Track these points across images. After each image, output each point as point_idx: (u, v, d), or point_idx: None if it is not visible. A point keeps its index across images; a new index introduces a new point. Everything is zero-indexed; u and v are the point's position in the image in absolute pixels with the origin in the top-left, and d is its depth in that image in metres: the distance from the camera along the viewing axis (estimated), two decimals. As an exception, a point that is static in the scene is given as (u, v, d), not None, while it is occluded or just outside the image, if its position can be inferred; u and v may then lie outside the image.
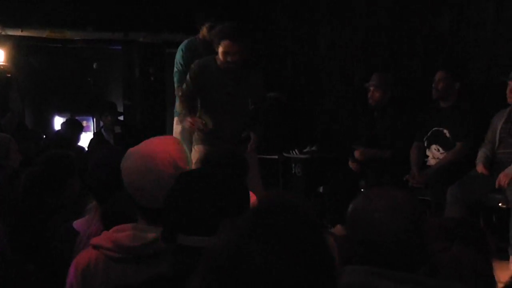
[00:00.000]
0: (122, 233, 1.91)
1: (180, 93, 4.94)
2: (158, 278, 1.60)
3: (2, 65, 6.81)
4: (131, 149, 2.00)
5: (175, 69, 5.25)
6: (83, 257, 1.94)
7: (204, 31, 5.25)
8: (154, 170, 1.91)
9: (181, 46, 5.31)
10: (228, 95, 4.53)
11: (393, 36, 5.92)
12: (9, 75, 6.90)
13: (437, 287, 1.52)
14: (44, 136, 7.35)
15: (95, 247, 1.93)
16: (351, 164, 5.36)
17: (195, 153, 4.51)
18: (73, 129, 6.86)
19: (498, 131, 4.72)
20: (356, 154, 5.34)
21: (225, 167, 2.75)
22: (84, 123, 7.95)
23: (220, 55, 4.37)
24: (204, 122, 4.49)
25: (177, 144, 2.04)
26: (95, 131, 7.45)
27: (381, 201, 1.59)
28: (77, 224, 2.24)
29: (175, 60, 5.28)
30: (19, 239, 2.71)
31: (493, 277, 1.76)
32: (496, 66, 5.17)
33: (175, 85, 5.21)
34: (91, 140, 7.20)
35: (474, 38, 5.36)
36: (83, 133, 7.54)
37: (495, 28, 5.22)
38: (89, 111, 7.72)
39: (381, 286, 1.46)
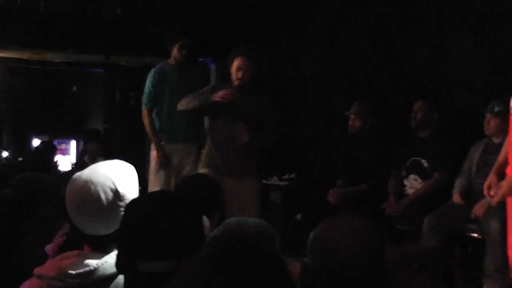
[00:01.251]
0: (67, 260, 1.87)
1: (145, 115, 5.41)
2: None
3: None
4: (75, 174, 1.96)
5: (144, 91, 5.39)
6: (27, 286, 1.91)
7: (175, 51, 5.36)
8: (93, 197, 1.86)
9: (152, 70, 5.48)
10: (238, 112, 4.70)
11: (373, 66, 5.97)
12: None
13: None
14: (20, 159, 7.28)
15: (39, 276, 1.88)
16: (330, 199, 5.34)
17: None
18: (48, 151, 6.77)
19: (475, 162, 4.75)
20: (330, 197, 5.31)
21: (196, 190, 2.76)
22: (63, 146, 7.90)
23: (233, 72, 4.73)
24: (233, 92, 4.65)
25: (124, 169, 1.98)
26: (76, 154, 7.40)
27: (341, 230, 1.58)
28: (49, 248, 2.21)
29: (146, 83, 5.37)
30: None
31: None
32: (474, 97, 5.23)
33: (142, 107, 5.47)
34: (73, 167, 7.13)
35: (452, 69, 5.42)
36: (62, 156, 7.49)
37: (474, 59, 5.28)
38: (69, 134, 7.67)
39: None
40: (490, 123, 4.64)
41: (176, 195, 1.67)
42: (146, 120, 5.44)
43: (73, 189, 1.90)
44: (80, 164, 7.02)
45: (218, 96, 4.61)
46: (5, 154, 7.42)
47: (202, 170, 4.76)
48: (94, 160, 6.95)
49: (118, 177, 1.91)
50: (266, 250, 1.14)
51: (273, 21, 6.83)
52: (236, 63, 4.72)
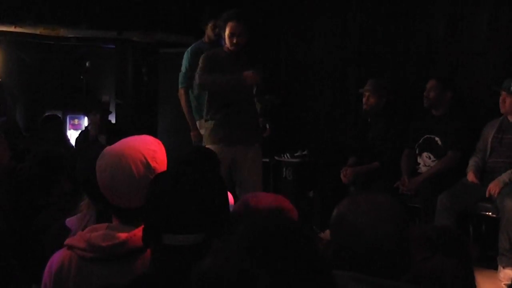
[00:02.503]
0: (96, 233, 1.89)
1: (181, 94, 5.34)
2: (145, 278, 1.59)
3: None
4: (106, 148, 1.98)
5: (181, 71, 5.37)
6: (57, 258, 1.93)
7: (208, 30, 5.33)
8: (125, 170, 1.88)
9: (188, 49, 5.43)
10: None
11: (387, 43, 5.92)
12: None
13: None
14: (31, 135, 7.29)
15: (69, 247, 1.91)
16: (342, 177, 5.33)
17: None
18: (54, 124, 6.71)
19: (489, 140, 4.74)
20: (342, 175, 5.30)
21: (196, 163, 2.77)
22: (76, 121, 7.93)
23: (226, 39, 4.57)
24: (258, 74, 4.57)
25: (153, 144, 2.00)
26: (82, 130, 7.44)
27: (366, 206, 1.58)
28: (69, 222, 2.23)
29: (182, 62, 5.40)
30: (7, 235, 2.70)
31: (475, 286, 1.76)
32: (488, 75, 5.19)
33: (179, 86, 5.40)
34: (78, 138, 7.16)
35: (467, 47, 5.38)
36: (74, 131, 7.51)
37: (488, 37, 5.24)
38: (82, 109, 7.69)
39: None
40: (506, 102, 4.62)
41: (202, 168, 1.67)
42: (182, 99, 5.39)
43: (104, 163, 1.93)
44: (84, 135, 7.06)
45: (250, 78, 4.53)
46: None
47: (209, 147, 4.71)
48: (97, 131, 6.98)
49: (148, 151, 1.94)
50: (296, 226, 1.14)
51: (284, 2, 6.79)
52: (229, 28, 4.54)
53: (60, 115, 7.47)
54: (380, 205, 1.59)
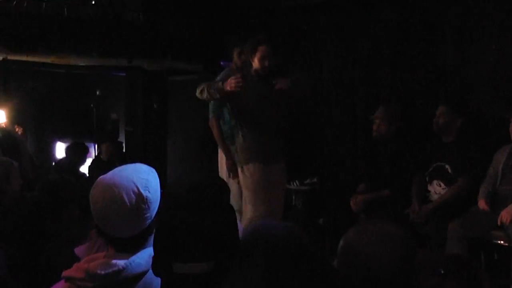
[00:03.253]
0: (94, 262, 1.91)
1: (213, 124, 5.31)
2: None
3: (4, 124, 6.73)
4: (99, 178, 1.99)
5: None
6: None
7: (235, 57, 5.34)
8: (117, 200, 1.89)
9: (219, 76, 5.40)
10: (265, 102, 4.78)
11: (396, 69, 5.94)
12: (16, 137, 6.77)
13: None
14: (54, 163, 7.38)
15: (67, 279, 1.92)
16: (352, 205, 5.32)
17: (244, 175, 4.81)
18: (79, 152, 6.88)
19: (500, 167, 4.71)
20: (352, 203, 5.29)
21: (205, 191, 2.76)
22: (85, 149, 7.95)
23: (257, 62, 4.73)
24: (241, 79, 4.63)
25: (146, 172, 2.01)
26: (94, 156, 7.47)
27: (373, 236, 1.58)
28: (78, 250, 2.24)
29: None
30: (18, 263, 2.70)
31: None
32: (498, 102, 5.18)
33: (209, 115, 5.39)
34: (90, 165, 7.21)
35: (476, 74, 5.38)
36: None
37: (497, 64, 5.24)
38: (91, 138, 7.73)
39: None
40: (515, 129, 4.59)
41: (212, 197, 1.68)
42: (214, 128, 5.32)
43: (97, 193, 1.94)
44: (97, 162, 7.09)
45: (229, 85, 4.57)
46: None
47: (247, 166, 4.81)
48: (109, 158, 7.02)
49: (141, 180, 1.95)
50: (311, 250, 1.14)
51: (296, 23, 6.83)
52: (261, 51, 4.72)
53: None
54: (387, 234, 1.58)
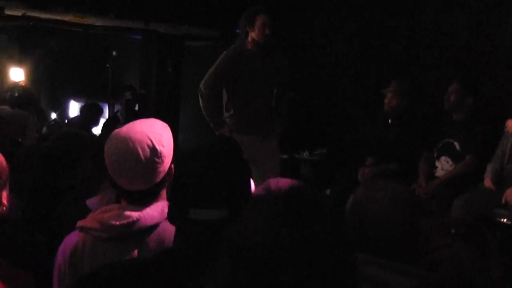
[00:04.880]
0: (109, 213, 1.96)
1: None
2: (171, 252, 1.64)
3: (23, 82, 6.79)
4: (114, 131, 2.03)
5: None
6: (70, 239, 1.99)
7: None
8: (132, 153, 1.93)
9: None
10: (258, 75, 4.88)
11: (410, 44, 5.93)
12: (30, 93, 6.82)
13: (423, 278, 1.55)
14: (66, 121, 7.45)
15: (82, 229, 1.98)
16: (359, 177, 5.36)
17: None
18: (94, 113, 6.96)
19: (508, 147, 4.73)
20: (360, 175, 5.34)
21: (220, 147, 2.81)
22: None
23: (257, 31, 4.80)
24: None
25: (160, 127, 2.05)
26: (110, 115, 7.54)
27: (381, 193, 1.63)
28: (90, 201, 2.30)
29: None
30: (31, 213, 2.76)
31: (490, 276, 1.80)
32: (511, 82, 5.18)
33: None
34: (105, 122, 7.26)
35: (491, 53, 5.37)
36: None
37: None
38: (105, 97, 7.78)
39: (371, 273, 1.50)
40: (527, 110, 4.60)
41: (229, 149, 1.73)
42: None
43: (112, 146, 1.98)
44: (113, 120, 7.16)
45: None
46: (53, 115, 7.58)
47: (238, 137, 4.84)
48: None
49: (155, 135, 1.99)
50: (320, 197, 1.20)
51: (310, 2, 6.82)
52: (260, 20, 4.79)
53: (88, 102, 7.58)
54: (395, 193, 1.64)
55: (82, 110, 7.21)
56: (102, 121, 7.39)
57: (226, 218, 1.56)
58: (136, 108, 7.45)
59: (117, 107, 7.63)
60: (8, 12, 6.68)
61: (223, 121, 5.04)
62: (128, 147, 1.94)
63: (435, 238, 1.70)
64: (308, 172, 6.24)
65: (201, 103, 5.04)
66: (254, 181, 4.73)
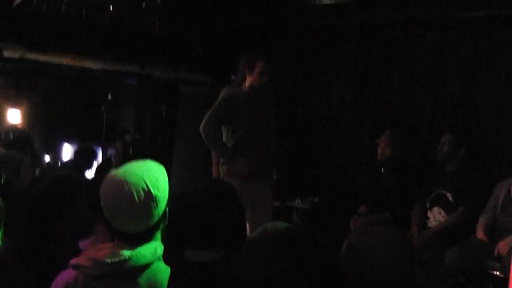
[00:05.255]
0: (101, 251, 1.98)
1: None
2: None
3: (19, 124, 6.82)
4: (110, 173, 2.05)
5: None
6: (62, 277, 2.02)
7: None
8: (126, 196, 1.95)
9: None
10: (259, 117, 5.01)
11: (403, 96, 6.00)
12: (27, 135, 6.83)
13: None
14: (60, 164, 7.44)
15: (75, 267, 1.99)
16: (352, 226, 5.35)
17: None
18: (87, 156, 6.96)
19: (500, 200, 4.74)
20: (352, 224, 5.33)
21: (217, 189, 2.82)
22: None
23: (255, 77, 4.92)
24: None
25: (156, 171, 2.06)
26: (103, 159, 7.53)
27: (376, 238, 1.63)
28: (83, 244, 2.29)
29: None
30: (24, 254, 2.75)
31: None
32: (503, 134, 5.23)
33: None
34: (99, 165, 7.26)
35: (483, 105, 5.43)
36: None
37: (505, 95, 5.29)
38: (99, 140, 7.79)
39: None
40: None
41: (225, 191, 1.74)
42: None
43: (108, 187, 2.00)
44: (107, 163, 7.15)
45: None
46: (47, 158, 7.58)
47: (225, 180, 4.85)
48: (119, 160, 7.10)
49: (151, 178, 2.01)
50: (315, 237, 1.21)
51: (305, 49, 6.91)
52: (260, 67, 4.92)
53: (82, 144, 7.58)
54: (389, 238, 1.64)
55: (75, 153, 7.21)
56: (95, 164, 7.38)
57: (221, 260, 1.57)
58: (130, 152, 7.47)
59: (110, 151, 7.63)
60: (6, 54, 6.74)
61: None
62: (124, 190, 1.95)
63: (432, 286, 1.70)
64: (300, 220, 6.22)
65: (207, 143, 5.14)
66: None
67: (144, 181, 1.98)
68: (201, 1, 7.16)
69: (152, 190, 1.97)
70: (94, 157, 7.19)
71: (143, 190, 1.96)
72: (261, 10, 6.54)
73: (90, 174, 7.06)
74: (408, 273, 1.61)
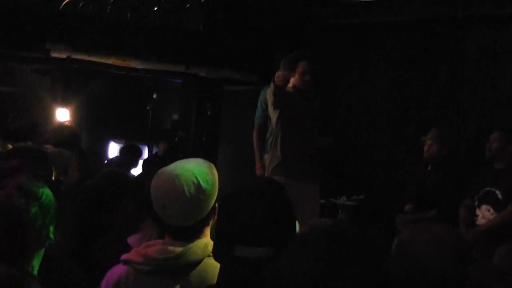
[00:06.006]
0: (152, 248, 2.00)
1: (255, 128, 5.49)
2: None
3: (68, 122, 6.93)
4: (161, 168, 2.08)
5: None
6: (114, 272, 2.05)
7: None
8: (177, 189, 1.97)
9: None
10: (304, 116, 4.91)
11: (452, 92, 5.92)
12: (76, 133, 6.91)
13: None
14: (106, 161, 7.56)
15: (126, 262, 2.02)
16: (397, 225, 5.30)
17: None
18: (133, 154, 7.05)
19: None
20: (397, 223, 5.27)
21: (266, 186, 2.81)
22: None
23: (297, 77, 4.84)
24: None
25: (206, 167, 2.08)
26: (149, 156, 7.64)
27: (427, 236, 1.61)
28: (131, 239, 2.32)
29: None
30: (74, 251, 2.80)
31: None
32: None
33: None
34: (146, 162, 7.33)
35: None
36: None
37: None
38: (144, 139, 7.88)
39: None
40: None
41: (273, 186, 1.75)
42: (254, 133, 5.54)
43: (158, 182, 2.03)
44: (155, 158, 7.24)
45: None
46: (94, 157, 7.69)
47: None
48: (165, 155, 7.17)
49: (201, 172, 2.03)
50: (362, 236, 1.20)
51: (350, 41, 6.88)
52: (302, 67, 4.83)
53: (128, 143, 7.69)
54: (441, 236, 1.61)
55: (121, 151, 7.32)
56: (140, 162, 7.47)
57: (271, 257, 1.57)
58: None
59: (155, 149, 7.72)
60: (54, 54, 6.88)
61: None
62: (174, 183, 1.98)
63: (487, 284, 1.67)
64: (345, 217, 6.19)
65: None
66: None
67: (194, 175, 2.00)
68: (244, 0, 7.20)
69: (202, 184, 2.00)
70: (140, 154, 7.28)
71: (194, 183, 1.99)
72: (306, 7, 6.54)
73: (135, 171, 7.15)
74: (462, 272, 1.59)
